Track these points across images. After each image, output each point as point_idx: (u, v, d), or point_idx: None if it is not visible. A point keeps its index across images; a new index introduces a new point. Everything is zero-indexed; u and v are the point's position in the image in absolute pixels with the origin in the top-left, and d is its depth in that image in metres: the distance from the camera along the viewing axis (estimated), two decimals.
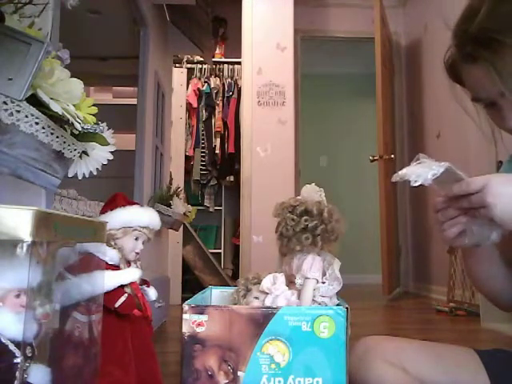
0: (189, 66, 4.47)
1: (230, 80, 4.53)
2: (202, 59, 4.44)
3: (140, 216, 1.06)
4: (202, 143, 4.44)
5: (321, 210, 1.01)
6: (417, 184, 0.75)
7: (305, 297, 0.98)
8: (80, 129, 0.85)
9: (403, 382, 0.88)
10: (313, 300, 0.99)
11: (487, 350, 0.93)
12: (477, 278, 0.94)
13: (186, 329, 0.89)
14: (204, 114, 4.44)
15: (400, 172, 0.77)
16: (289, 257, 1.04)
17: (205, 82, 4.49)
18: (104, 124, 0.93)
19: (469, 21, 0.80)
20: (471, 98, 0.86)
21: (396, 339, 0.98)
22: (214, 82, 4.49)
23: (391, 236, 4.16)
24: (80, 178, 0.98)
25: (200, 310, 0.90)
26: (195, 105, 4.42)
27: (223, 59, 4.62)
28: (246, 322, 0.89)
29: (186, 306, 0.90)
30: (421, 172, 0.75)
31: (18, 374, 0.62)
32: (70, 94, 0.83)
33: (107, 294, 0.96)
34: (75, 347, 0.86)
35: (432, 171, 0.74)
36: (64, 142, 0.86)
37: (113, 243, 1.03)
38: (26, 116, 0.74)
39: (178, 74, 4.12)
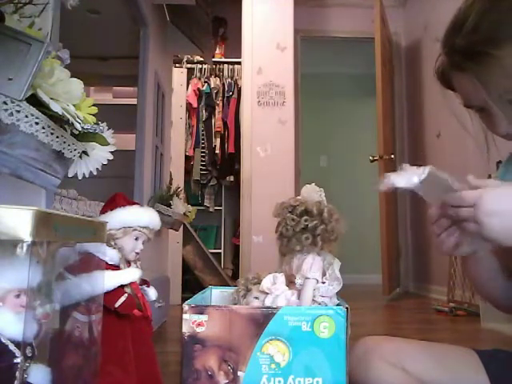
0: (189, 66, 4.47)
1: (230, 80, 4.52)
2: (202, 59, 4.44)
3: (140, 216, 1.06)
4: (202, 143, 4.44)
5: (321, 209, 1.01)
6: (406, 186, 0.76)
7: (305, 297, 0.98)
8: (80, 129, 0.85)
9: (403, 383, 0.88)
10: (313, 300, 0.99)
11: (487, 350, 0.93)
12: (476, 280, 0.94)
13: (185, 329, 0.89)
14: (204, 114, 4.44)
15: (385, 180, 0.78)
16: (289, 257, 1.04)
17: (205, 82, 4.49)
18: (104, 124, 0.94)
19: (456, 32, 0.81)
20: (463, 105, 0.87)
21: (396, 339, 0.98)
22: (214, 81, 4.49)
23: (391, 236, 4.15)
24: (80, 178, 0.98)
25: (200, 309, 0.90)
26: (195, 105, 4.42)
27: (223, 59, 4.61)
28: (246, 322, 0.89)
29: (186, 306, 0.90)
30: (408, 177, 0.76)
31: (18, 374, 0.62)
32: (70, 94, 0.83)
33: (107, 294, 0.96)
34: (75, 347, 0.86)
35: (418, 173, 0.75)
36: (64, 142, 0.86)
37: (113, 243, 1.03)
38: (26, 116, 0.74)
39: (178, 74, 4.12)
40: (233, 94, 4.47)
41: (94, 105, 0.91)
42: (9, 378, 0.61)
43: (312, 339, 0.89)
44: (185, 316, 0.89)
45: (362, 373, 0.90)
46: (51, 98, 0.78)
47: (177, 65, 4.22)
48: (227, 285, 3.45)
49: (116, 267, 1.02)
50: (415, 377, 0.88)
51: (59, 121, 0.83)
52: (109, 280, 0.97)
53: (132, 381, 0.99)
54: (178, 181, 3.64)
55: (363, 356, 0.92)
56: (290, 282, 1.02)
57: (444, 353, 0.93)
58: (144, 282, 1.09)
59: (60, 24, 1.17)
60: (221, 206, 4.64)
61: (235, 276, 4.15)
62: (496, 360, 0.90)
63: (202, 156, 4.44)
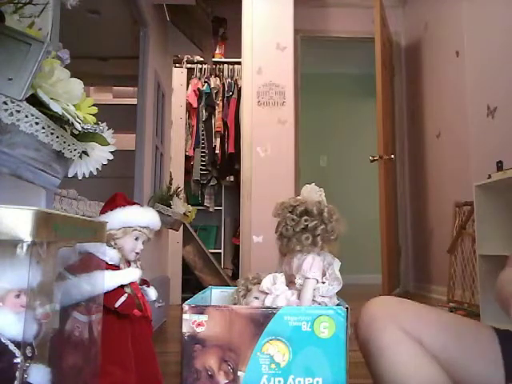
0: (189, 66, 4.46)
1: (230, 80, 4.52)
2: (202, 59, 4.44)
3: (140, 216, 1.06)
4: (202, 143, 4.44)
5: (321, 209, 1.02)
6: None
7: (305, 297, 0.98)
8: (80, 129, 0.85)
9: (416, 354, 0.85)
10: (313, 300, 0.99)
11: (506, 330, 0.91)
12: None
13: (186, 329, 0.89)
14: (204, 114, 4.44)
15: None
16: (289, 257, 1.04)
17: (205, 82, 4.49)
18: (104, 124, 0.93)
19: None
20: None
21: (415, 306, 0.94)
22: (214, 81, 4.49)
23: (391, 236, 4.15)
24: (80, 177, 0.98)
25: (200, 309, 0.90)
26: (195, 105, 4.42)
27: (223, 59, 4.61)
28: (246, 321, 0.89)
29: (185, 306, 0.90)
30: None
31: (18, 374, 0.62)
32: (70, 94, 0.83)
33: (107, 294, 0.96)
34: (75, 347, 0.86)
35: None
36: (64, 142, 0.86)
37: (113, 243, 1.03)
38: (26, 116, 0.74)
39: (178, 74, 4.12)
40: (233, 94, 4.47)
41: (94, 105, 0.91)
42: (9, 378, 0.61)
43: (312, 339, 0.89)
44: (185, 316, 0.89)
45: (375, 333, 0.88)
46: (51, 98, 0.78)
47: (177, 65, 4.22)
48: (227, 285, 3.45)
49: (116, 267, 1.02)
50: (431, 352, 0.86)
51: (59, 121, 0.82)
52: (109, 280, 0.97)
53: (132, 381, 0.99)
54: (178, 181, 3.64)
55: (379, 316, 0.89)
56: (290, 282, 1.02)
57: (463, 330, 0.90)
58: (144, 281, 1.09)
59: (60, 24, 1.17)
60: (221, 206, 4.64)
61: (235, 276, 4.15)
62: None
63: (202, 156, 4.44)
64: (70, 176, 0.98)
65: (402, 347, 0.86)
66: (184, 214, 2.92)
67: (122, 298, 0.99)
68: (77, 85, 0.86)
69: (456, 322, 0.93)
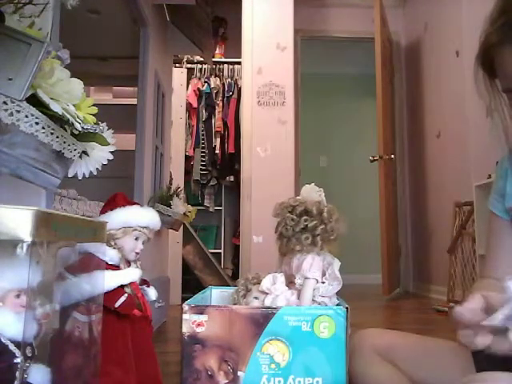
0: (189, 66, 4.46)
1: (230, 80, 4.52)
2: (202, 59, 4.44)
3: (140, 216, 1.06)
4: (202, 143, 4.44)
5: (320, 209, 1.02)
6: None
7: (304, 297, 0.98)
8: (80, 129, 0.85)
9: (391, 376, 0.87)
10: (313, 300, 0.99)
11: None
12: None
13: (186, 329, 0.89)
14: (204, 114, 4.44)
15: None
16: (289, 257, 1.04)
17: (205, 82, 4.49)
18: (104, 124, 0.93)
19: None
20: (503, 89, 0.81)
21: (390, 333, 0.98)
22: (214, 81, 4.49)
23: (391, 236, 4.15)
24: (80, 178, 0.98)
25: (200, 309, 0.90)
26: (195, 105, 4.42)
27: (223, 59, 4.61)
28: (246, 321, 0.89)
29: (185, 306, 0.90)
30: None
31: (18, 374, 0.62)
32: (70, 94, 0.83)
33: (107, 294, 0.96)
34: (75, 347, 0.86)
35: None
36: (64, 142, 0.86)
37: (113, 243, 1.03)
38: (26, 116, 0.74)
39: (178, 74, 4.12)
40: (233, 93, 4.47)
41: (94, 105, 0.91)
42: (9, 378, 0.61)
43: (312, 339, 0.89)
44: (185, 316, 0.89)
45: (355, 362, 0.91)
46: (51, 98, 0.78)
47: (177, 65, 4.22)
48: (227, 285, 3.45)
49: (116, 267, 1.02)
50: (404, 373, 0.88)
51: (59, 121, 0.82)
52: (109, 280, 0.97)
53: (132, 381, 0.99)
54: (178, 181, 3.64)
55: (357, 346, 0.92)
56: (290, 282, 1.02)
57: (436, 350, 0.92)
58: (144, 281, 1.09)
59: (60, 24, 1.17)
60: (221, 205, 4.64)
61: (235, 276, 4.15)
62: (487, 357, 0.89)
63: (202, 156, 4.44)
64: (70, 176, 0.98)
65: (374, 369, 0.89)
66: (184, 214, 2.92)
67: (122, 298, 0.99)
68: (77, 85, 0.86)
69: (429, 342, 0.94)
